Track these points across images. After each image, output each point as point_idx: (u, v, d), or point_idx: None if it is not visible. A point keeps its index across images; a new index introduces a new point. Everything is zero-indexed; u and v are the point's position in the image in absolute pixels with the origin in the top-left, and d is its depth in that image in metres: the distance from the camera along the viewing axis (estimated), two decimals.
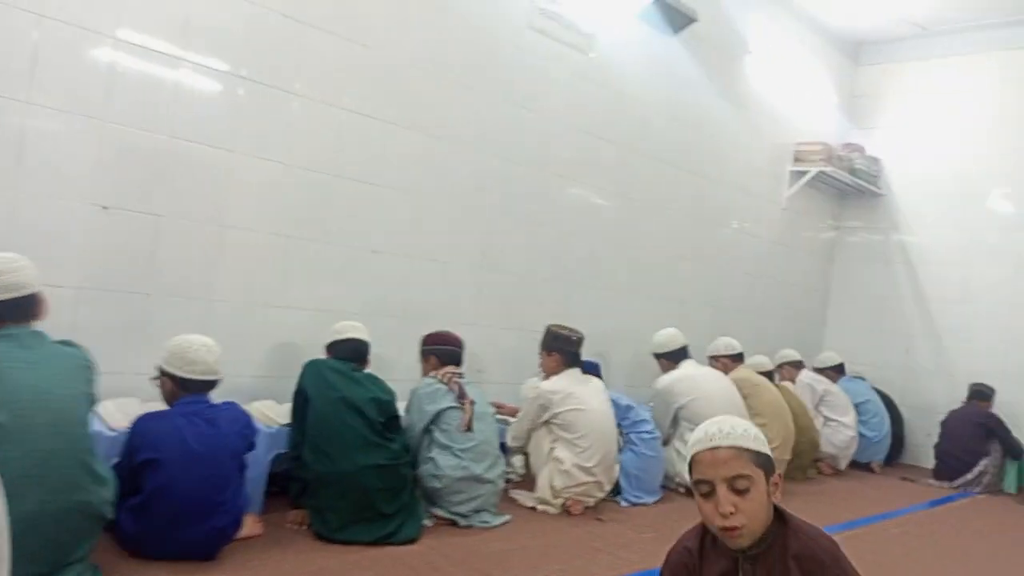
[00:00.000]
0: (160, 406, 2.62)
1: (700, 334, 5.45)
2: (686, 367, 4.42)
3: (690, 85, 5.43)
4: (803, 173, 6.30)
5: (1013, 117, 6.15)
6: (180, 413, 2.54)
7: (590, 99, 4.74)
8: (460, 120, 4.08)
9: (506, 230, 4.38)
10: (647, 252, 5.27)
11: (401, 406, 3.24)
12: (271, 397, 3.29)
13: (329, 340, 3.22)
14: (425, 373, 3.44)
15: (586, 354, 4.44)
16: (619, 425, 4.03)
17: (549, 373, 3.78)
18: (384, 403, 3.06)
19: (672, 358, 4.46)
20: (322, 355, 3.18)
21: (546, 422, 3.66)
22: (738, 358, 4.98)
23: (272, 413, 3.13)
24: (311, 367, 3.05)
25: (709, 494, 1.59)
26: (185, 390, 2.58)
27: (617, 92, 4.90)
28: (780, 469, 4.78)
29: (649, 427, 4.10)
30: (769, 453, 1.65)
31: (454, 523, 3.18)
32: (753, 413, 4.57)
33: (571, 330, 3.84)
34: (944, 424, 5.73)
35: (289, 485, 3.01)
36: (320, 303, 3.58)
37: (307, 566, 2.56)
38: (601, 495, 3.70)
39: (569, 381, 3.69)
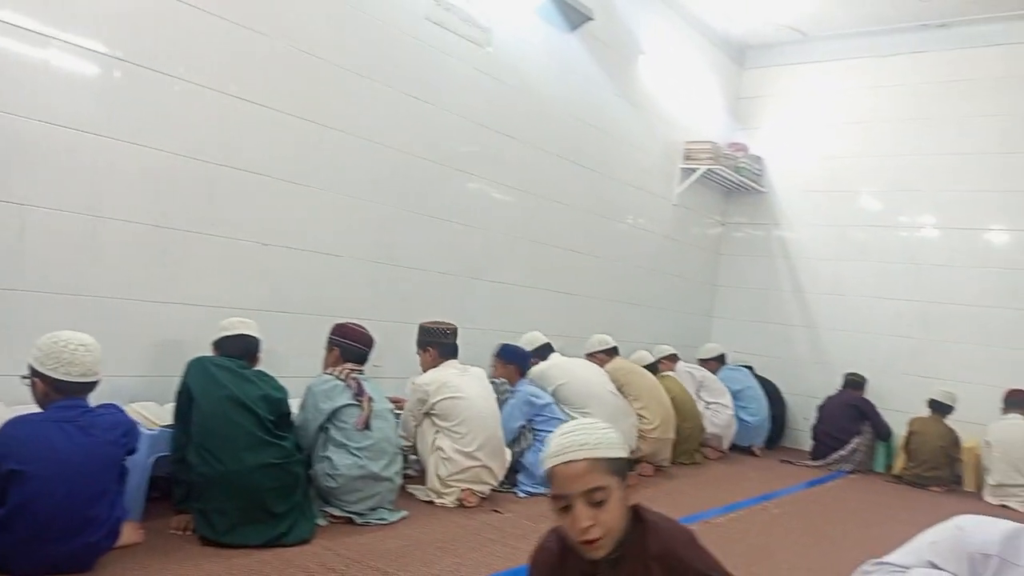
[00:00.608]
0: (27, 410, 2.44)
1: (594, 327, 5.59)
2: (554, 358, 4.63)
3: (587, 83, 5.53)
4: (692, 171, 6.55)
5: (882, 120, 6.60)
6: (51, 419, 2.33)
7: (489, 94, 4.75)
8: (355, 111, 3.99)
9: (404, 224, 4.33)
10: (545, 247, 5.34)
11: (293, 404, 3.15)
12: (152, 398, 3.13)
13: (217, 337, 3.08)
14: (327, 364, 3.36)
15: (488, 348, 4.49)
16: (530, 421, 4.10)
17: (427, 368, 3.81)
18: (275, 400, 2.96)
19: (538, 354, 4.63)
20: (209, 353, 3.04)
21: (427, 414, 3.67)
22: (612, 352, 5.17)
23: (152, 415, 2.98)
24: (196, 364, 2.90)
25: (566, 508, 1.57)
26: (59, 392, 2.37)
27: (515, 88, 4.93)
28: (665, 449, 5.00)
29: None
30: (623, 456, 1.65)
31: (350, 521, 3.12)
32: (631, 397, 4.78)
33: (442, 324, 3.89)
34: (821, 408, 6.12)
35: (173, 489, 2.87)
36: (205, 299, 3.42)
37: (192, 572, 2.45)
38: (493, 481, 3.73)
39: (445, 372, 3.72)
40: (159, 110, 3.22)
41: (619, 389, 4.81)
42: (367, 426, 3.19)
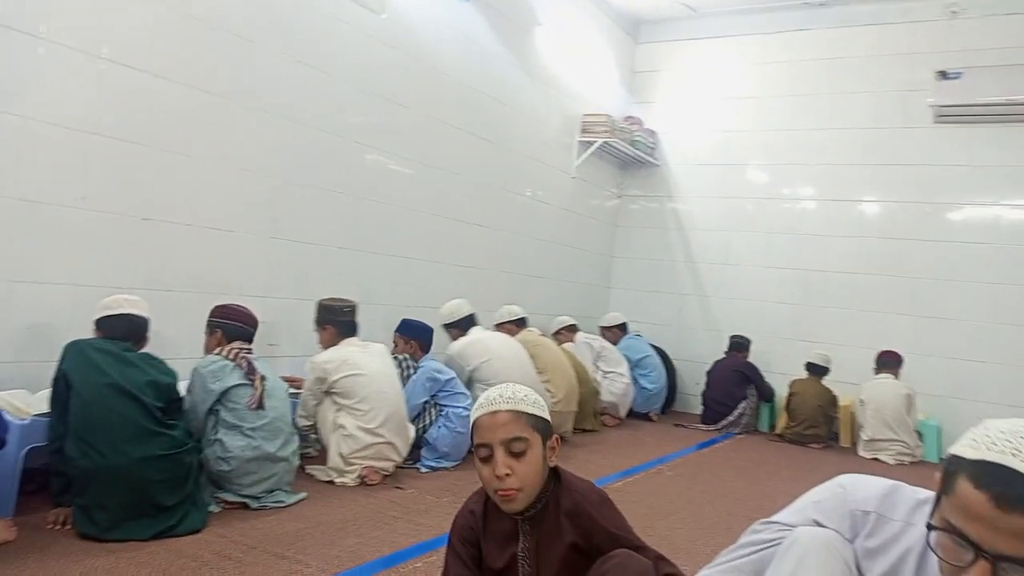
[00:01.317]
0: None
1: (496, 300, 5.61)
2: (476, 332, 4.57)
3: (484, 53, 5.48)
4: (590, 144, 6.63)
5: (768, 96, 6.87)
6: None
7: (384, 62, 4.62)
8: (241, 78, 3.79)
9: (298, 197, 4.17)
10: (445, 220, 5.29)
11: (183, 387, 3.00)
12: (23, 386, 2.91)
13: (98, 316, 2.88)
14: (208, 348, 3.21)
15: (386, 324, 4.44)
16: (433, 396, 4.07)
17: (326, 346, 3.73)
18: (164, 386, 2.81)
19: (460, 327, 4.59)
20: (90, 335, 2.85)
21: (328, 392, 3.60)
22: (521, 323, 5.22)
23: (23, 403, 2.76)
24: (73, 348, 2.70)
25: (487, 458, 1.65)
26: None
27: (412, 56, 4.82)
28: (567, 422, 5.09)
29: (467, 402, 4.08)
30: (547, 418, 1.73)
31: (245, 506, 3.02)
32: (539, 371, 4.82)
33: (341, 300, 3.81)
34: (709, 374, 6.39)
35: (50, 481, 2.69)
36: (81, 277, 3.20)
37: (73, 568, 2.31)
38: (397, 458, 3.70)
39: (345, 349, 3.66)
40: (19, 74, 2.95)
41: None
42: (260, 405, 3.09)
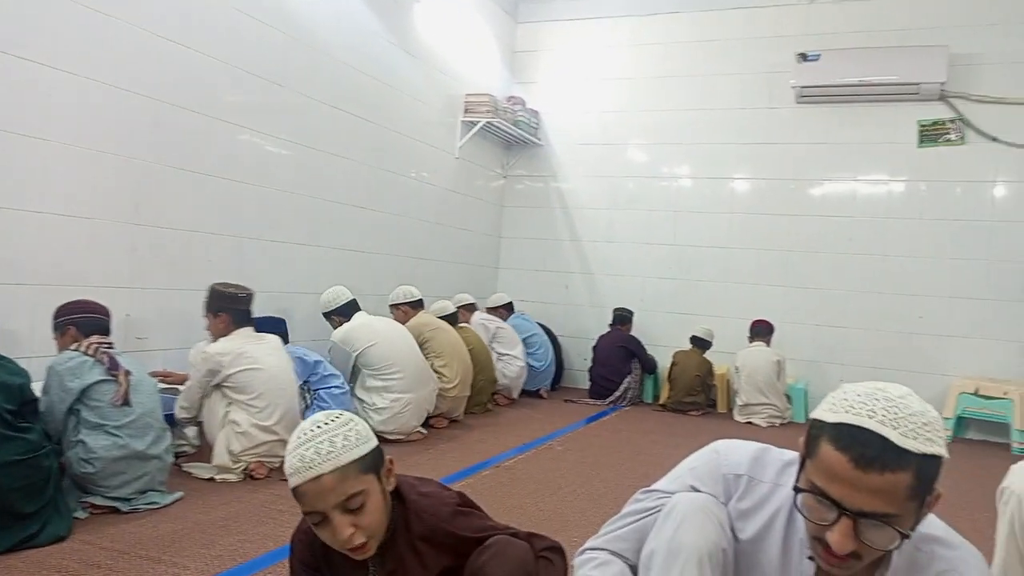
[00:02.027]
0: None
1: (383, 283, 5.52)
2: (360, 317, 4.48)
3: (363, 31, 5.32)
4: (473, 124, 6.60)
5: (645, 77, 7.05)
6: None
7: (255, 38, 4.40)
8: (97, 54, 3.51)
9: (165, 180, 3.92)
10: (327, 202, 5.13)
11: (38, 388, 2.77)
12: None
13: None
14: (62, 349, 2.98)
15: (268, 311, 4.27)
16: (306, 382, 3.95)
17: (217, 335, 3.52)
18: (15, 387, 2.57)
19: (342, 313, 4.49)
20: None
21: (218, 386, 3.42)
22: (417, 304, 5.15)
23: None
24: None
25: (323, 523, 1.46)
26: None
27: (285, 32, 4.62)
28: (460, 406, 5.08)
29: (339, 382, 4.05)
30: (373, 446, 1.52)
31: (115, 510, 2.84)
32: (433, 355, 4.79)
33: (237, 287, 3.61)
34: (595, 349, 6.56)
35: None
36: None
37: None
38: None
39: (240, 341, 3.48)
40: None
41: (423, 345, 4.79)
42: (126, 402, 2.89)
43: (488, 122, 6.59)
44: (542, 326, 6.78)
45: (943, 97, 6.01)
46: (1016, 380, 5.69)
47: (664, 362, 6.49)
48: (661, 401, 6.38)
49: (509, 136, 7.11)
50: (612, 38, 7.17)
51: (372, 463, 1.50)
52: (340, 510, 1.44)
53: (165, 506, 2.95)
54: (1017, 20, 5.88)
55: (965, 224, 6.01)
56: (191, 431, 3.69)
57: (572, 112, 7.30)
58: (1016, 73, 5.85)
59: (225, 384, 3.41)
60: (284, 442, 3.48)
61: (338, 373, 4.15)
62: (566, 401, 6.36)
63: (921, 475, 1.11)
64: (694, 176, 6.91)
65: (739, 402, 5.97)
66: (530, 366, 6.23)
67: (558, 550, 1.69)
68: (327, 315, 4.55)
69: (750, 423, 5.82)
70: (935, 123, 6.08)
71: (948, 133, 6.04)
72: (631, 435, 5.13)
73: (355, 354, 4.31)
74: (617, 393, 6.32)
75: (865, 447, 1.11)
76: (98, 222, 3.60)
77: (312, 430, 1.46)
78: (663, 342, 6.69)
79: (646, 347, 6.54)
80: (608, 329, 6.60)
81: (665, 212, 6.98)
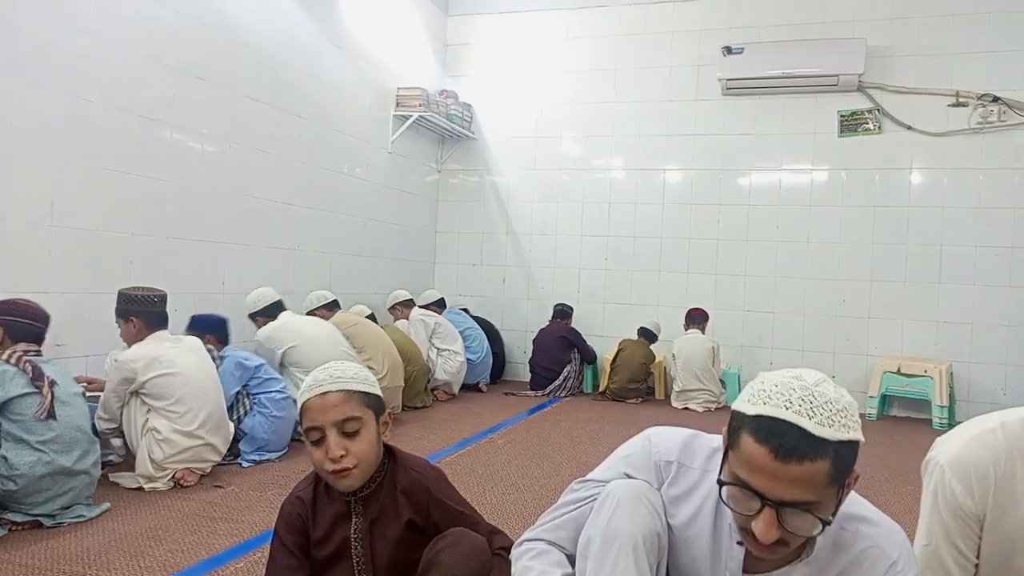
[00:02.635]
0: None
1: (317, 281, 5.42)
2: (284, 316, 4.44)
3: (288, 22, 5.20)
4: (405, 118, 6.53)
5: (578, 70, 7.09)
6: None
7: (172, 30, 4.24)
8: (3, 47, 3.33)
9: (81, 180, 3.75)
10: (257, 200, 4.99)
11: None
12: None
13: None
14: None
15: (194, 313, 4.15)
16: (245, 386, 3.87)
17: (130, 341, 3.39)
18: None
19: (267, 314, 4.44)
20: None
21: (135, 393, 3.30)
22: (333, 306, 5.13)
23: None
24: None
25: (320, 441, 1.60)
26: None
27: (204, 24, 4.46)
28: (395, 397, 5.05)
29: (280, 386, 3.96)
30: (379, 394, 1.71)
31: (39, 525, 2.72)
32: (358, 349, 4.75)
33: (147, 289, 3.48)
34: (535, 341, 6.59)
35: None
36: None
37: None
38: (216, 457, 3.48)
39: (154, 345, 3.36)
40: None
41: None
42: (51, 415, 2.77)
43: (421, 116, 6.53)
44: (482, 320, 6.78)
45: (861, 88, 6.23)
46: (935, 358, 5.96)
47: (603, 352, 6.57)
48: (601, 388, 6.45)
49: (442, 130, 7.07)
50: (543, 31, 7.19)
51: (374, 404, 1.67)
52: (337, 430, 1.58)
53: (92, 519, 2.84)
54: (929, 14, 6.13)
55: (884, 210, 6.26)
56: (118, 440, 3.55)
57: (505, 105, 7.29)
58: (928, 65, 6.11)
59: (142, 391, 3.29)
60: (211, 446, 3.40)
61: (279, 377, 4.07)
62: (506, 394, 6.37)
63: (838, 461, 1.14)
64: (627, 168, 7.00)
65: (676, 388, 6.08)
66: (467, 359, 6.23)
67: None
68: (252, 316, 4.49)
69: (687, 408, 5.94)
70: (854, 113, 6.30)
71: (866, 123, 6.27)
72: (571, 425, 5.18)
73: (280, 353, 4.27)
74: (557, 382, 6.36)
75: (783, 438, 1.13)
76: (8, 222, 3.42)
77: (330, 364, 1.69)
78: (600, 332, 6.77)
79: (584, 337, 6.60)
80: (548, 323, 6.65)
81: (599, 204, 7.04)
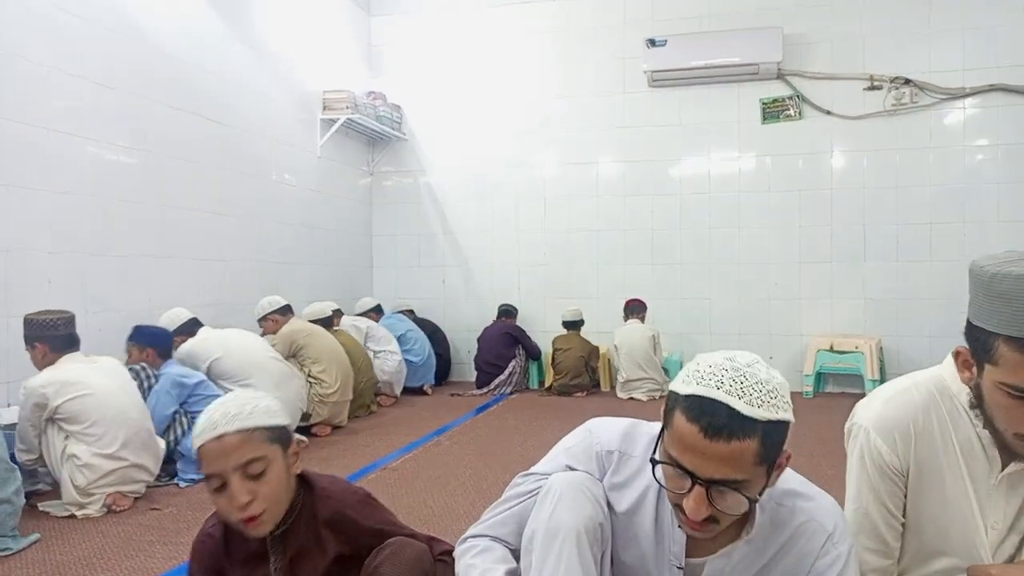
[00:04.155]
0: None
1: (248, 292, 5.28)
2: (203, 332, 4.29)
3: (201, 26, 5.04)
4: (333, 121, 6.41)
5: (507, 66, 7.07)
6: None
7: (76, 36, 4.05)
8: None
9: None
10: (180, 211, 4.83)
11: None
12: None
13: None
14: None
15: (117, 331, 3.97)
16: (183, 404, 3.73)
17: (41, 367, 3.24)
18: None
19: (185, 332, 4.26)
20: None
21: (50, 420, 3.16)
22: (286, 310, 4.98)
23: None
24: None
25: (222, 487, 1.45)
26: None
27: (110, 29, 4.28)
28: (343, 411, 4.96)
29: None
30: (284, 423, 1.57)
31: None
32: (310, 361, 4.65)
33: (51, 312, 3.33)
34: (480, 339, 6.57)
35: None
36: None
37: None
38: (148, 478, 3.35)
39: (64, 368, 3.21)
40: None
41: (298, 353, 4.67)
42: None
43: (349, 119, 6.43)
44: (425, 321, 6.72)
45: (780, 76, 6.40)
46: (865, 334, 6.17)
47: (547, 348, 6.59)
48: (547, 385, 6.46)
49: (372, 132, 6.97)
50: (469, 29, 7.16)
51: (279, 437, 1.52)
52: (240, 474, 1.44)
53: (19, 551, 2.69)
54: (843, 2, 6.33)
55: (808, 193, 6.44)
56: (44, 468, 3.39)
57: (435, 105, 7.24)
58: (844, 51, 6.31)
59: (57, 416, 3.15)
60: (138, 466, 3.28)
61: (221, 393, 3.93)
62: (452, 395, 6.33)
63: (767, 441, 1.17)
64: (560, 162, 7.03)
65: (620, 379, 6.14)
66: (409, 362, 6.17)
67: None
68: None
69: (632, 398, 6.01)
70: (775, 100, 6.47)
71: (787, 109, 6.45)
72: (519, 422, 5.17)
73: (204, 367, 4.10)
74: (502, 377, 6.35)
75: (713, 417, 1.16)
76: None
77: (225, 398, 1.52)
78: (543, 327, 6.78)
79: (528, 333, 6.61)
80: (492, 322, 6.64)
81: (534, 199, 7.06)
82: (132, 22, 4.44)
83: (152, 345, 3.84)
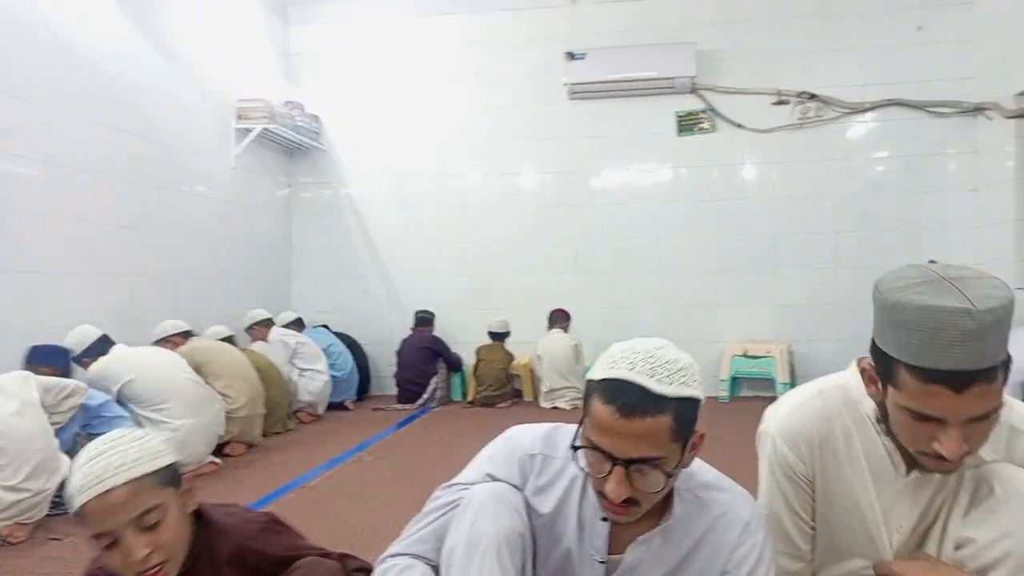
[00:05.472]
0: None
1: (162, 308, 5.09)
2: (116, 351, 4.07)
3: (114, 36, 4.83)
4: (248, 131, 6.25)
5: (427, 77, 7.05)
6: None
7: None
8: None
9: None
10: (86, 225, 4.60)
11: None
12: None
13: None
14: None
15: (16, 352, 3.75)
16: (86, 426, 3.53)
17: None
18: None
19: (94, 352, 4.03)
20: None
21: None
22: (187, 334, 4.84)
23: None
24: None
25: (114, 545, 1.33)
26: None
27: (20, 39, 4.06)
28: (255, 427, 4.79)
29: (127, 424, 3.64)
30: (171, 461, 1.43)
31: None
32: (213, 377, 4.49)
33: None
34: (399, 353, 6.48)
35: None
36: None
37: None
38: (47, 508, 3.15)
39: None
40: None
41: (199, 370, 4.46)
42: None
43: (265, 129, 6.27)
44: (344, 335, 6.60)
45: (695, 90, 6.60)
46: (776, 339, 6.40)
47: (468, 359, 6.56)
48: (470, 398, 6.44)
49: (290, 142, 6.82)
50: (390, 40, 7.11)
51: (169, 478, 1.40)
52: (134, 528, 1.32)
53: None
54: (753, 19, 6.58)
55: (723, 204, 6.65)
56: None
57: (355, 115, 7.15)
58: (753, 67, 6.56)
59: None
60: (42, 493, 3.09)
61: (126, 415, 3.75)
62: (374, 409, 6.22)
63: (679, 417, 1.22)
64: (482, 173, 7.04)
65: (544, 388, 6.18)
66: (332, 376, 6.05)
67: (370, 571, 1.63)
68: (77, 359, 4.03)
69: (555, 407, 6.04)
70: (690, 114, 6.66)
71: (702, 122, 6.65)
72: (442, 435, 5.12)
73: (116, 389, 3.90)
74: (426, 395, 6.29)
75: (627, 397, 1.21)
76: None
77: (101, 445, 1.36)
78: (465, 339, 6.75)
79: (450, 345, 6.57)
80: (410, 332, 6.56)
81: (456, 210, 7.04)
82: (40, 29, 4.22)
83: (51, 365, 3.63)
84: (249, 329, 5.81)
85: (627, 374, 1.22)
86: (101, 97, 4.73)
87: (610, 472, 1.23)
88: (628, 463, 1.22)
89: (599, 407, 1.23)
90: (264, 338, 5.73)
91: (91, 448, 1.37)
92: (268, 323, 5.83)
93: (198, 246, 5.77)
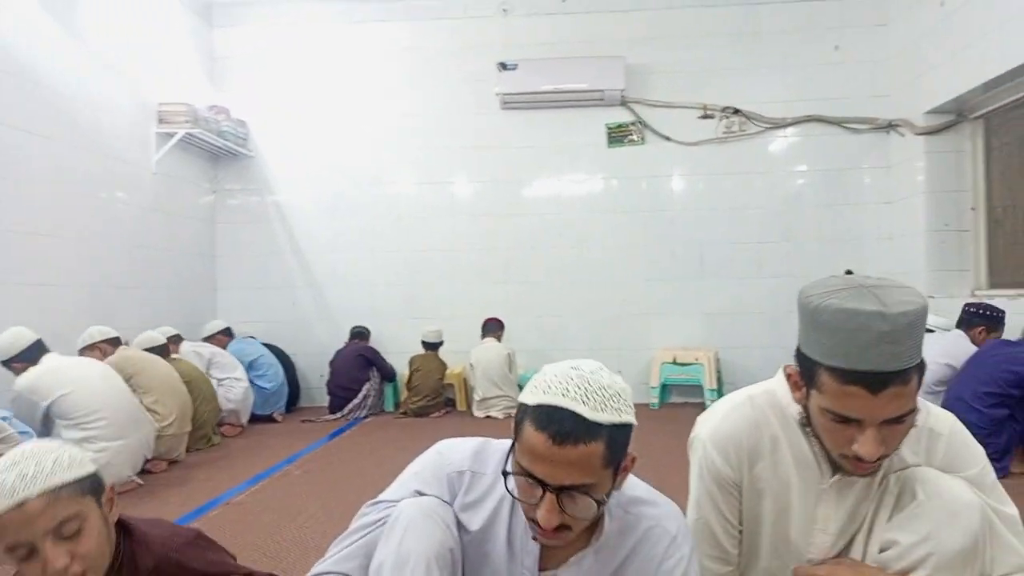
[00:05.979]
0: None
1: (79, 319, 4.85)
2: (49, 361, 3.87)
3: (29, 33, 4.59)
4: (170, 135, 6.04)
5: (361, 84, 6.96)
6: None
7: None
8: None
9: None
10: None
11: None
12: None
13: None
14: None
15: None
16: None
17: None
18: None
19: (26, 358, 3.84)
20: None
21: None
22: (115, 342, 4.61)
23: None
24: None
25: (31, 557, 1.30)
26: None
27: None
28: (180, 445, 4.61)
29: (30, 439, 3.45)
30: (92, 471, 1.41)
31: None
32: (141, 392, 4.31)
33: None
34: (332, 362, 6.38)
35: None
36: None
37: None
38: None
39: None
40: None
41: (128, 381, 4.27)
42: None
43: (188, 133, 6.07)
44: (272, 346, 6.44)
45: (624, 102, 6.72)
46: (704, 347, 6.55)
47: (402, 368, 6.49)
48: (403, 409, 6.36)
49: (214, 148, 6.63)
50: (319, 45, 6.99)
51: (90, 487, 1.38)
52: (52, 538, 1.30)
53: None
54: (681, 36, 6.74)
55: (652, 214, 6.78)
56: None
57: (284, 121, 7.00)
58: (680, 81, 6.72)
59: None
60: None
61: (29, 430, 3.55)
62: (304, 421, 6.08)
63: (612, 444, 1.21)
64: (415, 181, 6.99)
65: (477, 397, 6.16)
66: (261, 388, 5.90)
67: None
68: (7, 363, 3.86)
69: (489, 416, 6.03)
70: (619, 126, 6.78)
71: (631, 134, 6.77)
72: (375, 446, 5.05)
73: (45, 405, 3.71)
74: (356, 401, 6.19)
75: (560, 424, 1.18)
76: None
77: (14, 456, 1.33)
78: (398, 348, 6.68)
79: (383, 355, 6.49)
80: (344, 344, 6.47)
81: (388, 218, 6.97)
82: None
83: None
84: (166, 344, 5.57)
85: (561, 400, 1.20)
86: (16, 98, 4.50)
87: (541, 498, 1.21)
88: (559, 490, 1.20)
89: (531, 433, 1.20)
90: (176, 353, 5.51)
91: (5, 459, 1.33)
92: (177, 339, 5.57)
93: (117, 254, 5.54)
